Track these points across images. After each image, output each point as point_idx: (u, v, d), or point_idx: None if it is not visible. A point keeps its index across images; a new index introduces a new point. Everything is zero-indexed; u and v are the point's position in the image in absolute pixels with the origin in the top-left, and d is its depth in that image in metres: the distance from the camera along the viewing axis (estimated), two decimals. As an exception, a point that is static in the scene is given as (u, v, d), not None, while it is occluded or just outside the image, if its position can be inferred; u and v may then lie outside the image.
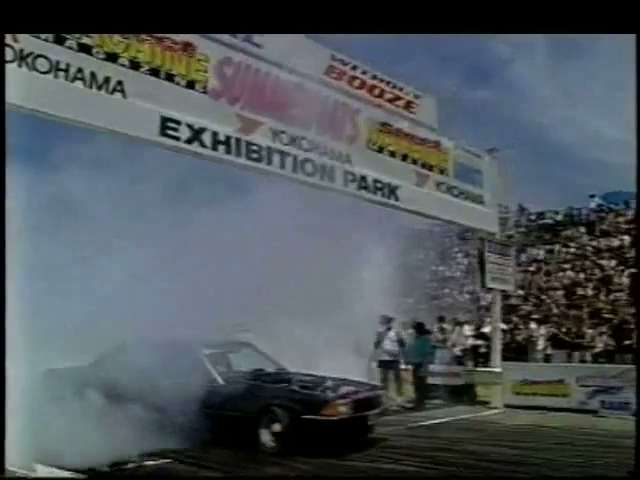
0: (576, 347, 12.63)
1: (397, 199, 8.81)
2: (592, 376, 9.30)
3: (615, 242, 18.29)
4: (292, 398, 6.50)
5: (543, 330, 13.18)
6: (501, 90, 42.84)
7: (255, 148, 7.36)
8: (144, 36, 6.64)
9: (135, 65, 6.53)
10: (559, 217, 20.91)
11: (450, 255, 20.88)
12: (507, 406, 9.84)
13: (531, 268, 18.84)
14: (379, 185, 8.56)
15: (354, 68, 8.67)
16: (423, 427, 8.30)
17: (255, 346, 8.38)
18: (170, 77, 6.82)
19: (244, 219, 8.75)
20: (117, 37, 6.42)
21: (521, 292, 17.50)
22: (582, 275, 17.45)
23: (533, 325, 13.58)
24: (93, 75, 6.19)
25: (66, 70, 5.99)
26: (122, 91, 6.38)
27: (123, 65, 6.44)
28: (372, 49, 8.96)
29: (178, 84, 6.88)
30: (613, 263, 17.35)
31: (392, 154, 8.92)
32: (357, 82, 8.67)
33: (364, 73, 8.79)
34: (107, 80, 6.28)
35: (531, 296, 17.32)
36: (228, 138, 7.15)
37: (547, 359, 12.50)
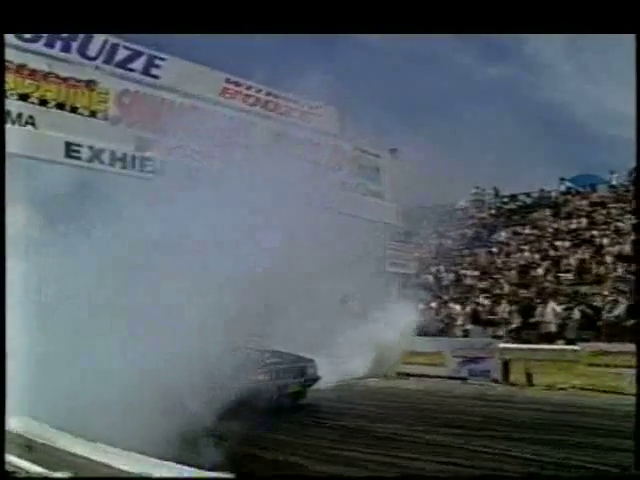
0: (494, 324, 13.88)
1: (289, 198, 10.39)
2: (463, 348, 10.71)
3: (573, 224, 19.09)
4: None
5: (461, 308, 14.48)
6: (518, 66, 42.48)
7: (149, 162, 9.14)
8: (52, 78, 8.50)
9: (43, 102, 8.40)
10: (529, 200, 21.73)
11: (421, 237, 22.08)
12: (399, 374, 11.36)
13: (494, 249, 19.90)
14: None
15: (249, 88, 10.25)
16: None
17: None
18: (74, 109, 8.66)
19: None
20: (28, 80, 8.30)
21: (476, 273, 18.71)
22: (537, 255, 18.42)
23: (452, 304, 14.88)
24: (8, 113, 8.08)
25: (-16, 111, 7.90)
26: (33, 124, 8.27)
27: (33, 103, 8.31)
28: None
29: (82, 114, 8.71)
30: (567, 244, 18.23)
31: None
32: (251, 99, 10.26)
33: (259, 91, 10.35)
34: (20, 116, 8.18)
35: (486, 276, 18.47)
36: (125, 155, 8.95)
37: (465, 334, 13.83)
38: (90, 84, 8.80)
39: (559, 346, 10.77)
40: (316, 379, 8.21)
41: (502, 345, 10.55)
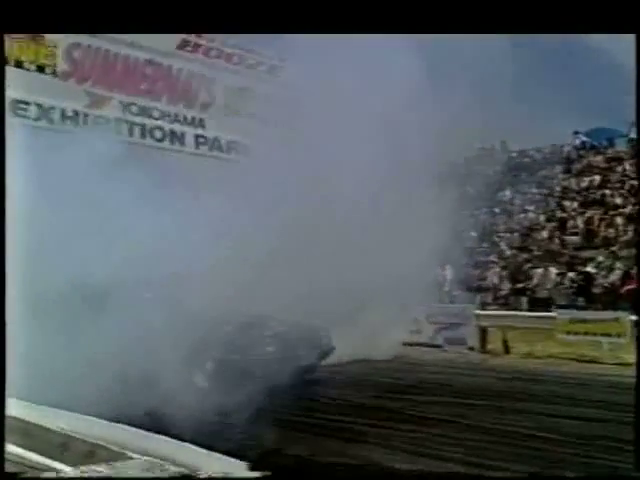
0: (483, 289, 13.38)
1: (256, 157, 9.92)
2: (438, 314, 10.25)
3: (585, 182, 18.10)
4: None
5: (448, 274, 13.89)
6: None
7: (102, 120, 8.74)
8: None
9: (-15, 57, 8.01)
10: (539, 155, 20.65)
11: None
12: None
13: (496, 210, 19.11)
14: (233, 145, 9.70)
15: (212, 40, 9.65)
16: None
17: None
18: (19, 64, 8.24)
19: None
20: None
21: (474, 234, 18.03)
22: (542, 217, 17.62)
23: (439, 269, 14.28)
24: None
25: None
26: (-26, 80, 7.92)
27: (-26, 59, 7.93)
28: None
29: (28, 70, 8.31)
30: (575, 204, 17.35)
31: (252, 116, 9.94)
32: (214, 52, 9.68)
33: (222, 43, 9.75)
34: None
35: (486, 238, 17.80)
36: (76, 113, 8.56)
37: (452, 300, 13.31)
38: (36, 36, 8.35)
39: (536, 313, 10.23)
40: (331, 350, 7.39)
41: (478, 312, 10.07)
